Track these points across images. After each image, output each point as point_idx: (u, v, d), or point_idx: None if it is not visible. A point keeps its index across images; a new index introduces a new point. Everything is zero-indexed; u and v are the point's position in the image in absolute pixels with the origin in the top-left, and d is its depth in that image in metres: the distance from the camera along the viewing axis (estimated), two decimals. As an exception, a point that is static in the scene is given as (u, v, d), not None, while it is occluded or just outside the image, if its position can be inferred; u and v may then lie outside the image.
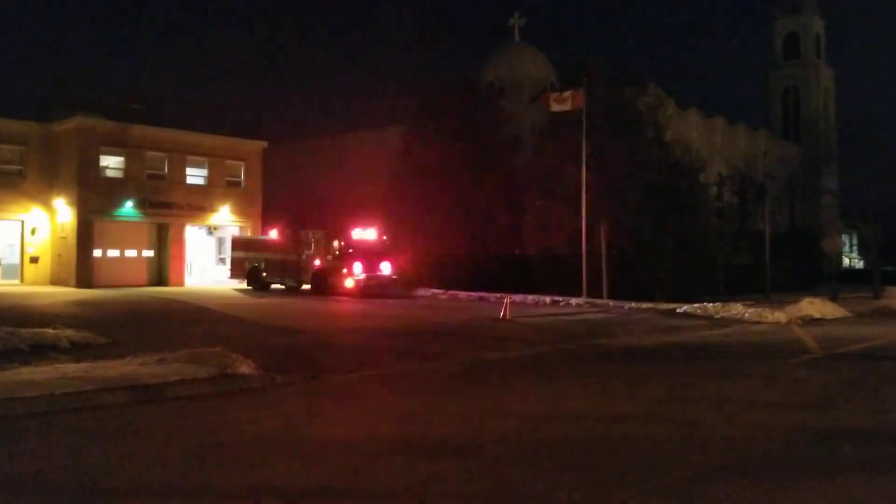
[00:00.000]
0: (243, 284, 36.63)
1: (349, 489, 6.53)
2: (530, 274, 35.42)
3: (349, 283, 31.89)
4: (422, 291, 34.66)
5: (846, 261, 62.40)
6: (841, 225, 55.15)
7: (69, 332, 15.42)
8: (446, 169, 37.15)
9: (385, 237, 34.68)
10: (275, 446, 7.92)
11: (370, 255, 32.89)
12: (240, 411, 9.75)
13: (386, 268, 33.42)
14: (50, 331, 15.38)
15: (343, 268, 32.24)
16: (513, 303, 25.58)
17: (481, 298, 31.49)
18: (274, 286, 35.48)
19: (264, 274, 35.65)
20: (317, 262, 33.22)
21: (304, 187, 49.47)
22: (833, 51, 71.96)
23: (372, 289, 32.24)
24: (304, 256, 33.89)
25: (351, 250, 32.63)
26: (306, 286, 34.06)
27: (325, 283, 32.47)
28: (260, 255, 36.16)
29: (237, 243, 38.42)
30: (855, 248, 63.92)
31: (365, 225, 34.16)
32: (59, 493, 6.36)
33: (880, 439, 8.53)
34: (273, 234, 36.44)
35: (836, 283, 36.10)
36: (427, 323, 22.25)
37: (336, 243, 32.91)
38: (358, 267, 32.09)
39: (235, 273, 38.06)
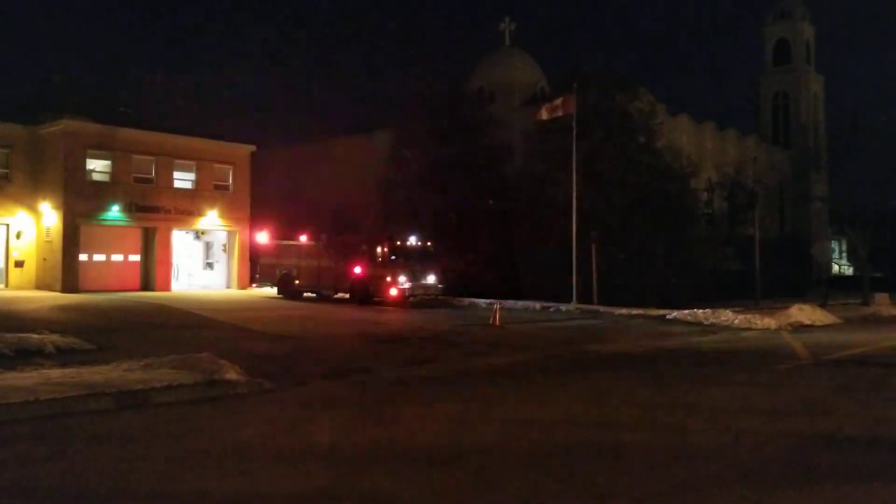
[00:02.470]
0: (266, 291, 35.91)
1: (333, 497, 6.44)
2: (520, 279, 35.34)
3: (394, 292, 30.14)
4: (465, 301, 32.28)
5: (835, 267, 62.70)
6: (830, 231, 55.42)
7: (54, 337, 15.25)
8: (436, 174, 37.06)
9: (430, 244, 32.63)
10: (259, 453, 7.83)
11: (416, 264, 31.03)
12: (226, 418, 9.64)
13: (432, 277, 31.58)
14: (35, 336, 15.21)
15: (387, 276, 30.34)
16: (503, 309, 25.50)
17: (471, 304, 31.36)
18: (307, 294, 33.70)
19: (297, 281, 33.95)
20: (357, 270, 31.31)
21: (294, 192, 49.36)
22: (823, 57, 72.42)
23: (417, 298, 30.62)
24: (341, 263, 32.03)
25: (394, 257, 30.73)
26: (342, 294, 32.28)
27: (366, 292, 30.69)
28: (292, 262, 34.50)
29: (265, 248, 36.87)
30: (844, 254, 64.25)
31: (409, 231, 32.38)
32: (43, 499, 6.27)
33: (869, 446, 8.51)
34: (301, 237, 34.79)
35: (825, 289, 36.21)
36: (418, 329, 22.15)
37: (380, 250, 31.03)
38: (405, 275, 30.36)
39: (264, 280, 36.77)
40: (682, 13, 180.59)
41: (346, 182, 47.38)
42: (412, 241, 31.93)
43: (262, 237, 37.49)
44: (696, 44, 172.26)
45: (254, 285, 39.31)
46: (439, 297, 31.56)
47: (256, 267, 38.41)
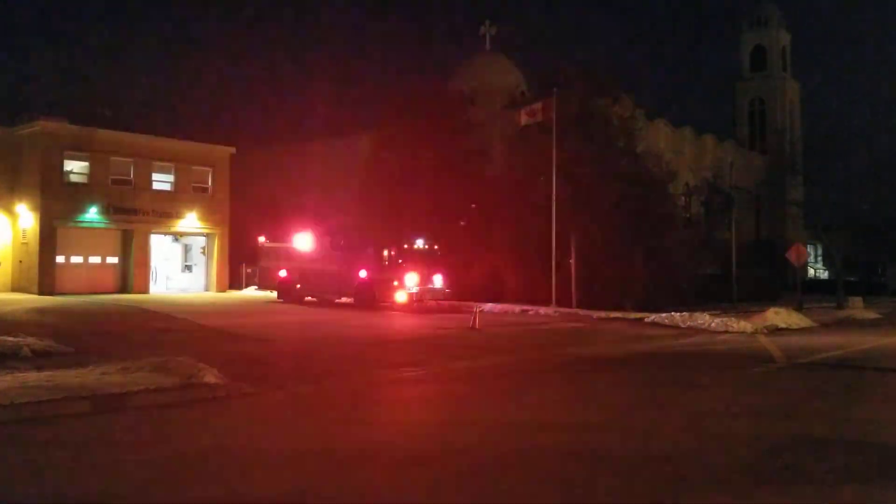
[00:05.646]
0: (266, 294, 35.49)
1: (310, 501, 6.45)
2: (500, 282, 35.37)
3: (400, 296, 29.75)
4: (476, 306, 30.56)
5: (811, 271, 63.31)
6: (806, 235, 55.94)
7: (30, 340, 15.10)
8: (416, 177, 37.01)
9: (437, 247, 32.10)
10: (238, 457, 7.81)
11: (423, 267, 30.56)
12: (204, 421, 9.61)
13: (438, 280, 31.11)
14: (10, 338, 15.05)
15: (394, 280, 29.85)
16: (483, 312, 25.51)
17: (451, 307, 31.36)
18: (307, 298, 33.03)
19: (298, 285, 33.31)
20: (362, 274, 30.63)
21: (273, 194, 49.12)
22: (799, 64, 73.13)
23: (424, 303, 30.27)
24: (345, 266, 31.26)
25: (401, 261, 30.29)
26: (346, 299, 31.72)
27: (371, 296, 30.18)
28: (292, 265, 33.88)
29: (265, 251, 36.10)
30: (819, 258, 64.88)
31: (415, 234, 31.80)
32: (16, 506, 6.21)
33: (842, 448, 8.60)
34: (303, 240, 34.09)
35: (800, 293, 36.54)
36: (397, 332, 22.18)
37: (386, 253, 30.57)
38: (411, 279, 29.83)
39: (264, 283, 36.11)
40: (661, 19, 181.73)
41: (327, 184, 47.23)
42: (419, 243, 31.41)
43: (262, 240, 36.72)
44: (674, 49, 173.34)
45: (253, 288, 38.93)
46: (443, 302, 31.15)
47: (256, 270, 37.92)
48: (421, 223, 35.37)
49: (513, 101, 46.25)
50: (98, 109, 39.64)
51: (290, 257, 34.49)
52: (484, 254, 36.67)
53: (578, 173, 33.08)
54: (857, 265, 52.36)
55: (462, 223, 37.10)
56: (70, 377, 11.24)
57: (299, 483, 6.91)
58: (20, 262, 35.85)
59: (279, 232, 36.80)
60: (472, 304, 29.69)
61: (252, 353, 16.54)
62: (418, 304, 30.25)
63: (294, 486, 6.82)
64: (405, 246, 30.97)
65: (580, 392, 12.58)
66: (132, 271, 37.09)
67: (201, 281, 40.72)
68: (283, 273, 34.37)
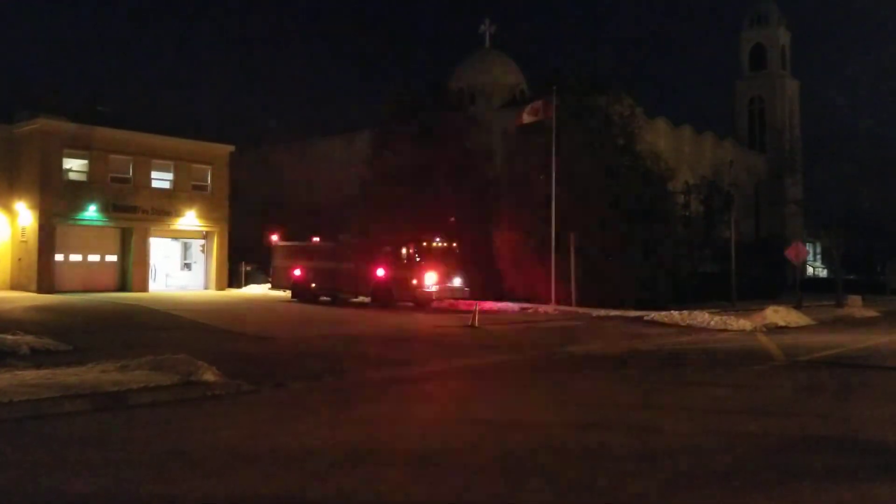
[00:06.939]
0: (280, 293, 35.27)
1: (312, 500, 6.44)
2: (500, 281, 35.37)
3: (419, 295, 29.49)
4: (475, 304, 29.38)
5: (810, 270, 63.32)
6: (805, 234, 55.93)
7: (29, 338, 15.11)
8: (415, 175, 36.99)
9: (455, 245, 31.69)
10: (237, 455, 7.79)
11: (442, 265, 30.31)
12: (203, 419, 9.60)
13: (458, 279, 30.87)
14: (9, 336, 15.05)
15: (412, 278, 29.54)
16: (482, 310, 25.48)
17: (451, 306, 31.37)
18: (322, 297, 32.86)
19: (312, 284, 33.11)
20: (379, 272, 30.49)
21: (273, 192, 49.16)
22: (798, 62, 73.09)
23: (442, 302, 30.05)
24: (362, 265, 31.14)
25: (419, 259, 29.99)
26: (362, 298, 31.57)
27: (388, 296, 30.01)
28: (307, 264, 33.62)
29: (279, 250, 35.84)
30: (818, 257, 64.89)
31: (432, 233, 31.47)
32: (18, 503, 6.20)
33: (841, 447, 8.60)
34: (318, 239, 34.06)
35: (800, 291, 36.55)
36: (396, 330, 22.17)
37: (404, 251, 30.27)
38: (430, 277, 29.60)
39: (278, 282, 35.93)
40: (661, 18, 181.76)
41: (328, 183, 47.28)
42: (437, 241, 31.18)
43: (275, 238, 36.49)
44: (674, 47, 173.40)
45: (266, 287, 38.82)
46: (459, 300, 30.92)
47: (270, 269, 37.86)
48: (421, 222, 35.39)
49: (513, 100, 46.31)
50: (97, 107, 39.67)
51: (304, 256, 34.27)
52: (484, 252, 36.66)
53: (578, 172, 33.06)
54: (856, 263, 52.38)
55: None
56: (69, 375, 11.25)
57: (295, 481, 6.90)
58: (19, 260, 35.85)
59: (292, 230, 36.67)
60: (472, 302, 29.65)
61: (251, 350, 16.54)
62: (437, 303, 30.04)
63: (295, 484, 6.81)
64: (423, 244, 30.67)
65: (578, 390, 12.58)
66: (131, 269, 37.10)
67: (200, 279, 40.72)
68: (297, 272, 34.16)
